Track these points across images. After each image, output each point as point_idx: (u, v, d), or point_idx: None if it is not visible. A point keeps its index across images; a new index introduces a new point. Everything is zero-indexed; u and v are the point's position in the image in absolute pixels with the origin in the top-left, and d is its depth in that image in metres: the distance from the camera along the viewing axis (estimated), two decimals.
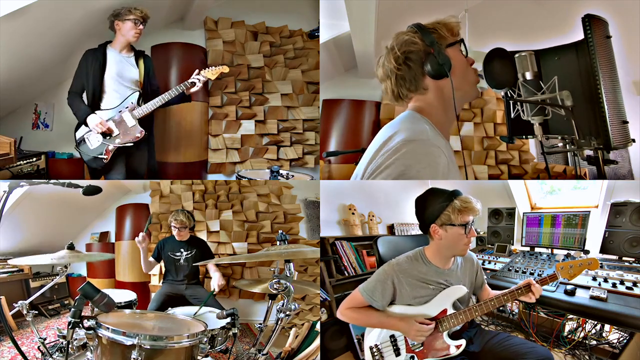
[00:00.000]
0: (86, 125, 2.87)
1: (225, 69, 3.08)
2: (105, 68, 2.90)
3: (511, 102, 2.30)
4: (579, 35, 2.06)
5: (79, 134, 2.95)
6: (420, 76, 1.55)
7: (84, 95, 2.94)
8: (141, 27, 2.91)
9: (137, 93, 2.94)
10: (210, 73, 3.01)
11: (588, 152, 2.20)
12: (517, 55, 2.22)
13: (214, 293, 3.18)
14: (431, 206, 1.90)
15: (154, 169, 3.22)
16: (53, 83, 3.65)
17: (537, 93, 2.19)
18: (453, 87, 1.52)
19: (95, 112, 2.88)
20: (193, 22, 3.82)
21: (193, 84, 2.95)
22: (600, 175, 2.17)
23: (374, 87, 3.91)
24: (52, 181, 2.46)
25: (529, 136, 2.36)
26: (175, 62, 3.80)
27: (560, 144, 2.24)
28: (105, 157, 2.88)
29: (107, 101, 2.93)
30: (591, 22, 2.01)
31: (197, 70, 2.99)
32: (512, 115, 2.33)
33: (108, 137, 2.88)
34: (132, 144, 2.93)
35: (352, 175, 1.63)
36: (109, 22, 2.98)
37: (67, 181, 2.43)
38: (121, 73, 2.93)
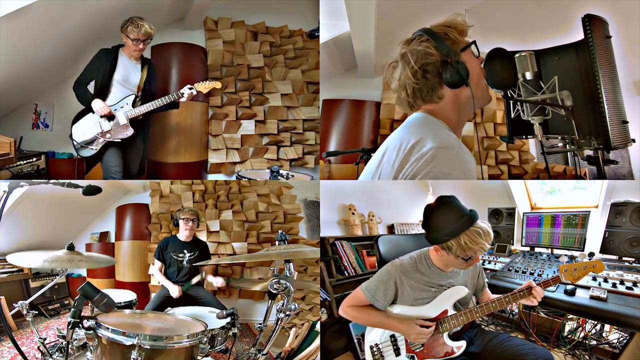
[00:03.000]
0: (91, 109, 3.04)
1: (218, 85, 3.23)
2: (114, 70, 3.06)
3: (511, 102, 2.30)
4: (579, 35, 2.06)
5: (75, 129, 3.09)
6: (437, 86, 1.50)
7: (91, 89, 3.11)
8: (141, 46, 3.03)
9: (133, 95, 3.08)
10: (203, 87, 3.15)
11: (588, 152, 2.20)
12: (517, 55, 2.22)
13: (203, 277, 3.33)
14: (436, 231, 1.83)
15: (143, 169, 3.39)
16: (53, 83, 3.65)
17: (537, 93, 2.19)
18: (473, 94, 1.49)
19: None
20: (193, 22, 3.82)
21: (182, 95, 3.09)
22: (600, 175, 2.17)
23: (374, 87, 3.91)
24: (52, 181, 2.45)
25: (529, 136, 2.37)
26: (175, 62, 3.80)
27: (560, 144, 2.25)
28: (94, 148, 3.07)
29: (110, 100, 3.08)
30: (591, 22, 2.01)
31: (188, 85, 3.12)
32: (512, 115, 2.33)
33: (101, 132, 3.05)
34: (125, 142, 3.10)
35: (364, 176, 1.57)
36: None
37: (67, 181, 2.43)
38: (127, 78, 3.10)
